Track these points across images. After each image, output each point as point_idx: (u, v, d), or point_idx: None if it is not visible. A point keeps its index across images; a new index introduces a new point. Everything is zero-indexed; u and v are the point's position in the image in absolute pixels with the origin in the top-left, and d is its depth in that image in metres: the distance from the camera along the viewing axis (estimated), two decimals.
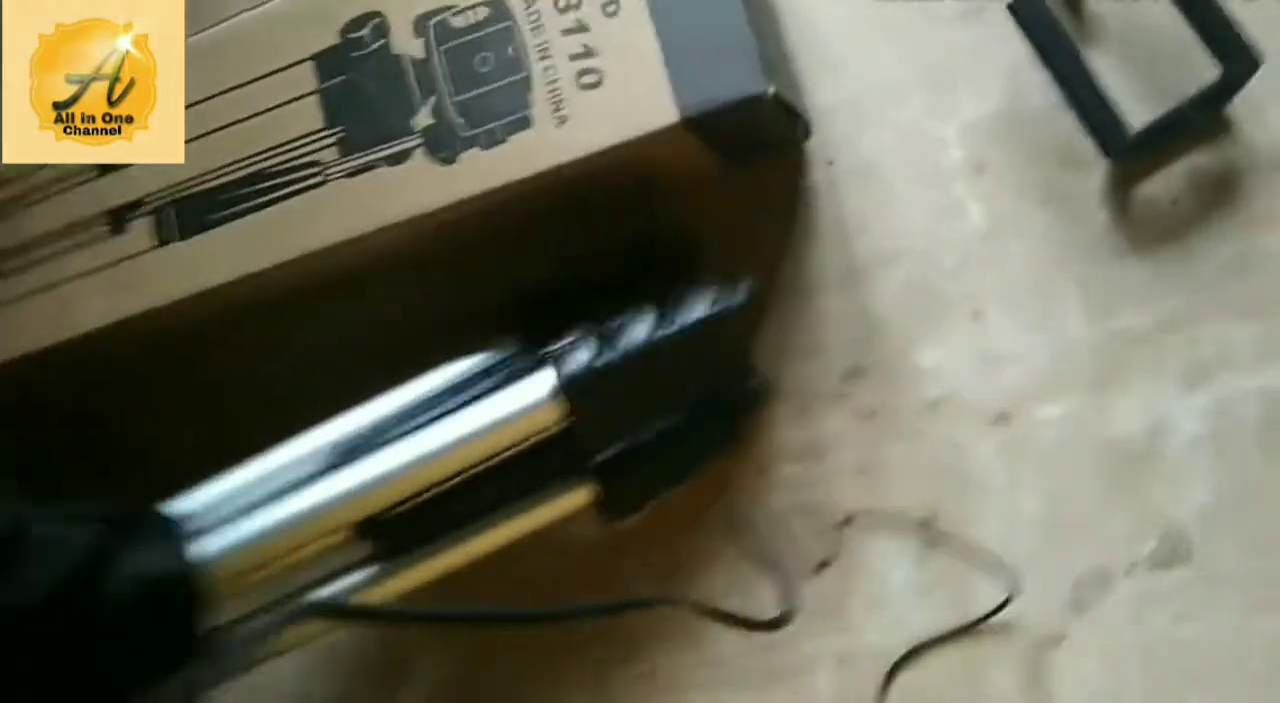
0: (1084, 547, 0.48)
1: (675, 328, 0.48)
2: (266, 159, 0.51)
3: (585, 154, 0.47)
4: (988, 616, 0.48)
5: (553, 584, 0.53)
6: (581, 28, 0.48)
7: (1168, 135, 0.48)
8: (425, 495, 0.48)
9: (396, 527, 0.48)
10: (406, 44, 0.50)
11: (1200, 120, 0.48)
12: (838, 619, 0.51)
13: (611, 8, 0.48)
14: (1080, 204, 0.50)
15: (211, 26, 0.52)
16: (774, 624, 0.49)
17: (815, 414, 0.52)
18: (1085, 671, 0.48)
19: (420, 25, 0.50)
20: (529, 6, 0.49)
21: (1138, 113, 0.48)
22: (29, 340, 0.52)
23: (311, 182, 0.50)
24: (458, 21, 0.49)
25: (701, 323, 0.48)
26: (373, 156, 0.50)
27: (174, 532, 0.46)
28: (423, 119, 0.49)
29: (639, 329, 0.48)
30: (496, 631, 0.54)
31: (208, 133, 0.51)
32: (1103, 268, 0.50)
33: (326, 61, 0.51)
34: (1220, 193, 0.49)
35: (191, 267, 0.51)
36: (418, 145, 0.49)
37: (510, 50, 0.49)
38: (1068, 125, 0.49)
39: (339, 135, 0.50)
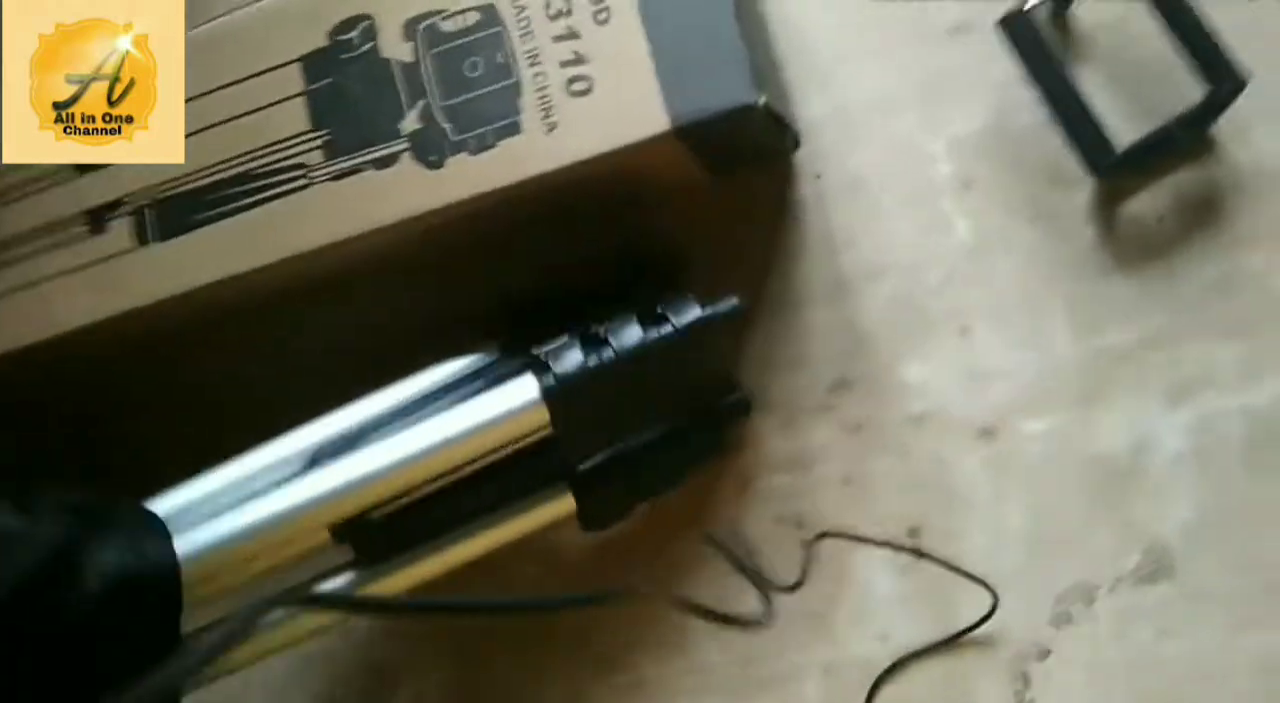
0: (1068, 562, 0.48)
1: (662, 333, 0.48)
2: (250, 160, 0.50)
3: (574, 161, 0.47)
4: (971, 628, 0.48)
5: (538, 589, 0.53)
6: (572, 34, 0.48)
7: (1154, 154, 0.48)
8: (406, 500, 0.47)
9: (376, 532, 0.47)
10: (396, 48, 0.50)
11: (1186, 139, 0.49)
12: (822, 630, 0.50)
13: (602, 15, 0.48)
14: (1067, 221, 0.50)
15: (199, 25, 0.52)
16: (750, 623, 0.48)
17: (801, 426, 0.52)
18: (1069, 685, 0.48)
19: (410, 29, 0.50)
20: (519, 13, 0.48)
21: (1124, 131, 0.48)
22: (8, 339, 0.51)
23: (296, 184, 0.50)
24: (448, 26, 0.49)
25: (689, 328, 0.48)
26: (359, 160, 0.49)
27: (150, 525, 0.45)
28: (410, 123, 0.49)
29: (626, 334, 0.48)
30: (469, 621, 0.53)
31: (191, 133, 0.51)
32: (1088, 285, 0.50)
33: (314, 64, 0.50)
34: (1205, 212, 0.49)
35: (173, 267, 0.50)
36: (405, 149, 0.49)
37: (500, 56, 0.48)
38: (1055, 143, 0.50)
39: (325, 138, 0.50)
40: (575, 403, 0.47)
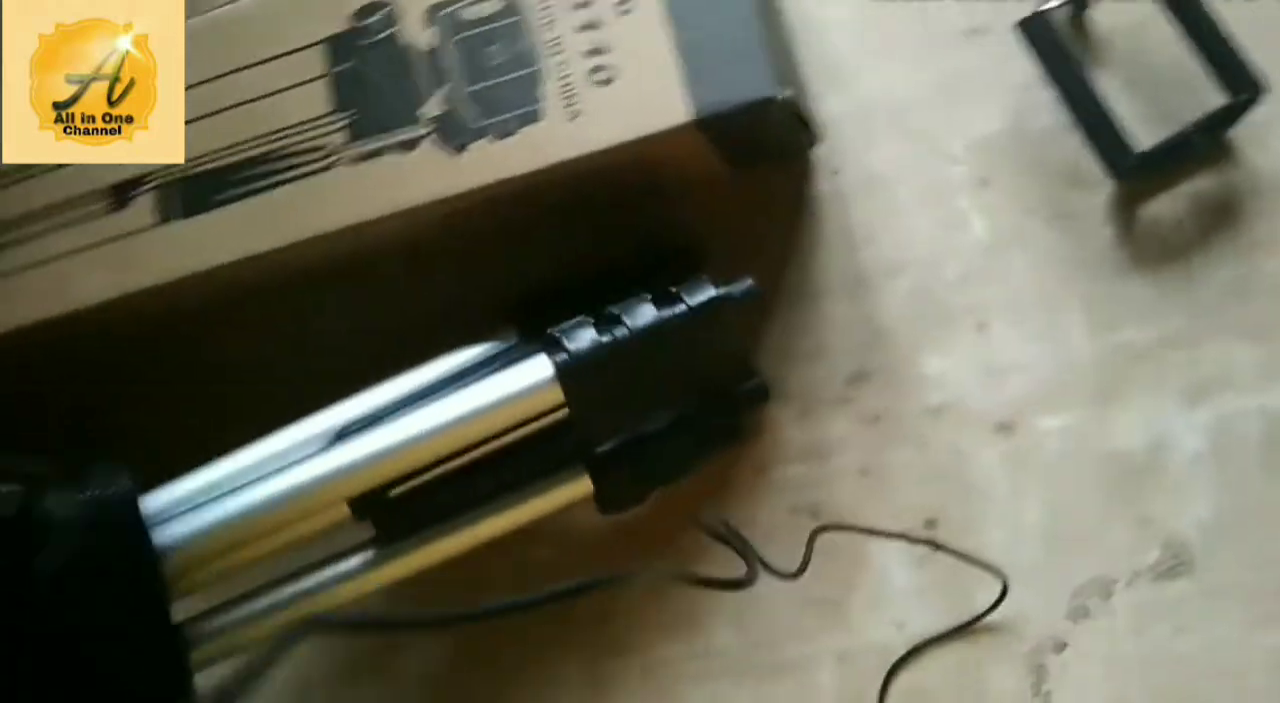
0: (1085, 557, 0.48)
1: (676, 312, 0.48)
2: (274, 140, 0.50)
3: (595, 149, 0.47)
4: (985, 613, 0.48)
5: (555, 570, 0.52)
6: (594, 25, 0.48)
7: (1172, 158, 0.49)
8: (423, 478, 0.47)
9: (395, 510, 0.47)
10: (416, 34, 0.50)
11: (1204, 144, 0.49)
12: (838, 616, 0.50)
13: (625, 6, 0.48)
14: (1084, 222, 0.51)
15: (221, 5, 0.52)
16: (733, 584, 0.48)
17: (819, 417, 0.52)
18: (1086, 679, 0.48)
19: (431, 15, 0.50)
20: (541, 2, 0.49)
21: (1143, 135, 0.48)
22: (25, 313, 0.51)
23: (319, 165, 0.50)
24: (469, 14, 0.49)
25: (703, 308, 0.48)
26: (382, 143, 0.49)
27: (105, 474, 0.45)
28: (433, 108, 0.49)
29: (640, 313, 0.47)
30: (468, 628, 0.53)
31: (214, 113, 0.51)
32: (1106, 285, 0.50)
33: (335, 47, 0.50)
34: (1222, 216, 0.49)
35: (194, 246, 0.50)
36: (427, 134, 0.49)
37: (522, 44, 0.48)
38: (1074, 145, 0.50)
39: (348, 120, 0.50)
40: (589, 380, 0.47)
